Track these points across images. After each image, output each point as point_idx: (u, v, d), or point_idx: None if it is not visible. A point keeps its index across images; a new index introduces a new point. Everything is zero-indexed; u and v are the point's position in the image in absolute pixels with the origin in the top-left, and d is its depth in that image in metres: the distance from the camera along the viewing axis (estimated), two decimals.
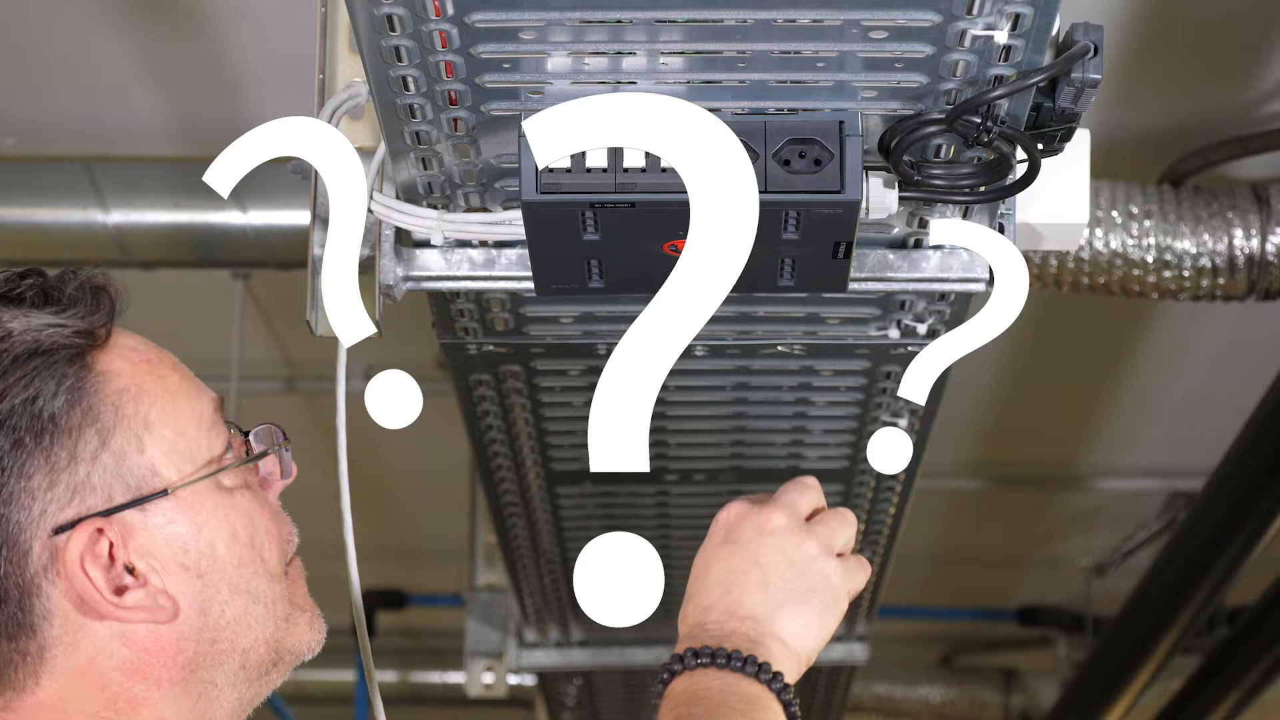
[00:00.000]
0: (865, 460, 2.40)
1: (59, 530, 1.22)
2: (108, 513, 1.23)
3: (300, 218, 2.70)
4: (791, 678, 1.33)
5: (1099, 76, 1.40)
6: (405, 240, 1.73)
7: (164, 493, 1.26)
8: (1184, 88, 2.79)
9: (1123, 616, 4.10)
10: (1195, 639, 4.18)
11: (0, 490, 1.21)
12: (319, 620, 1.35)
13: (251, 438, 1.35)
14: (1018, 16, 1.34)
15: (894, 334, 1.97)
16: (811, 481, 1.45)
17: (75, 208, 2.83)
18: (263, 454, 1.36)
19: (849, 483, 2.49)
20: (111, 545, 1.23)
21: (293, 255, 2.85)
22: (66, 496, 1.23)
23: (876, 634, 3.64)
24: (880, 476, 2.47)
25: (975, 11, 1.33)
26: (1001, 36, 1.36)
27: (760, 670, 1.30)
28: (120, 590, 1.24)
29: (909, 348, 2.00)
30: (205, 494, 1.28)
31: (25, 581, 1.22)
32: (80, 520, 1.22)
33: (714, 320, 1.96)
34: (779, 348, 2.03)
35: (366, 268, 1.71)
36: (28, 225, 2.86)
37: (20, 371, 1.23)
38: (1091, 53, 1.39)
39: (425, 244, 1.73)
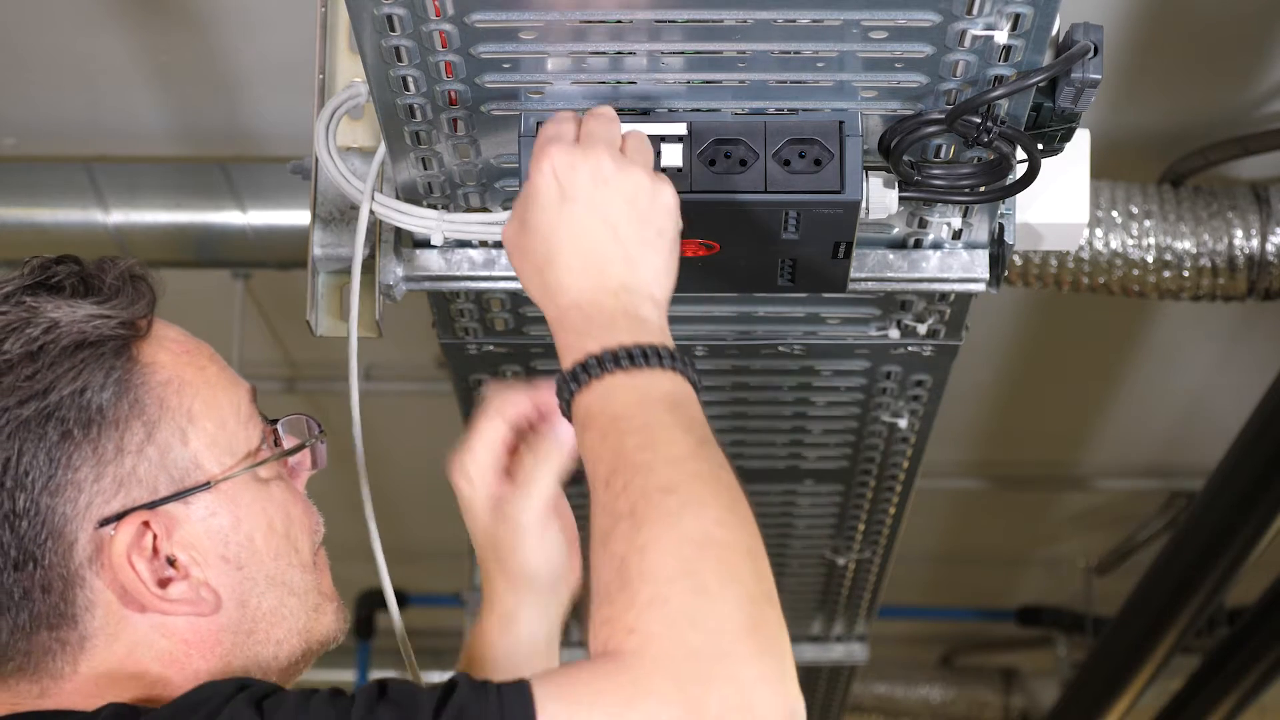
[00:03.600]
0: (865, 460, 2.40)
1: (105, 522, 1.22)
2: (153, 505, 1.24)
3: (300, 218, 2.70)
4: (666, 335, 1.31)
5: (1099, 76, 1.40)
6: (405, 240, 1.73)
7: (207, 485, 1.26)
8: (1184, 88, 2.79)
9: (1123, 616, 4.10)
10: (1195, 639, 4.18)
11: (49, 482, 1.21)
12: (343, 610, 1.36)
13: (280, 426, 1.35)
14: (1018, 16, 1.34)
15: (894, 334, 1.97)
16: (605, 111, 1.39)
17: (75, 208, 2.83)
18: (300, 447, 1.36)
19: (849, 483, 2.49)
20: (155, 537, 1.24)
21: (293, 255, 2.85)
22: (113, 489, 1.23)
23: (876, 634, 3.64)
24: (880, 476, 2.46)
25: (975, 11, 1.33)
26: (1001, 36, 1.36)
27: (663, 359, 1.27)
28: (163, 582, 1.24)
29: (909, 348, 2.00)
30: (244, 486, 1.29)
31: (70, 572, 1.22)
32: (127, 512, 1.23)
33: (714, 320, 1.97)
34: (779, 348, 2.03)
35: (366, 268, 1.71)
36: (28, 225, 2.85)
37: (68, 363, 1.23)
38: (1091, 53, 1.39)
39: (425, 244, 1.73)
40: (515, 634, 1.48)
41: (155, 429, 1.25)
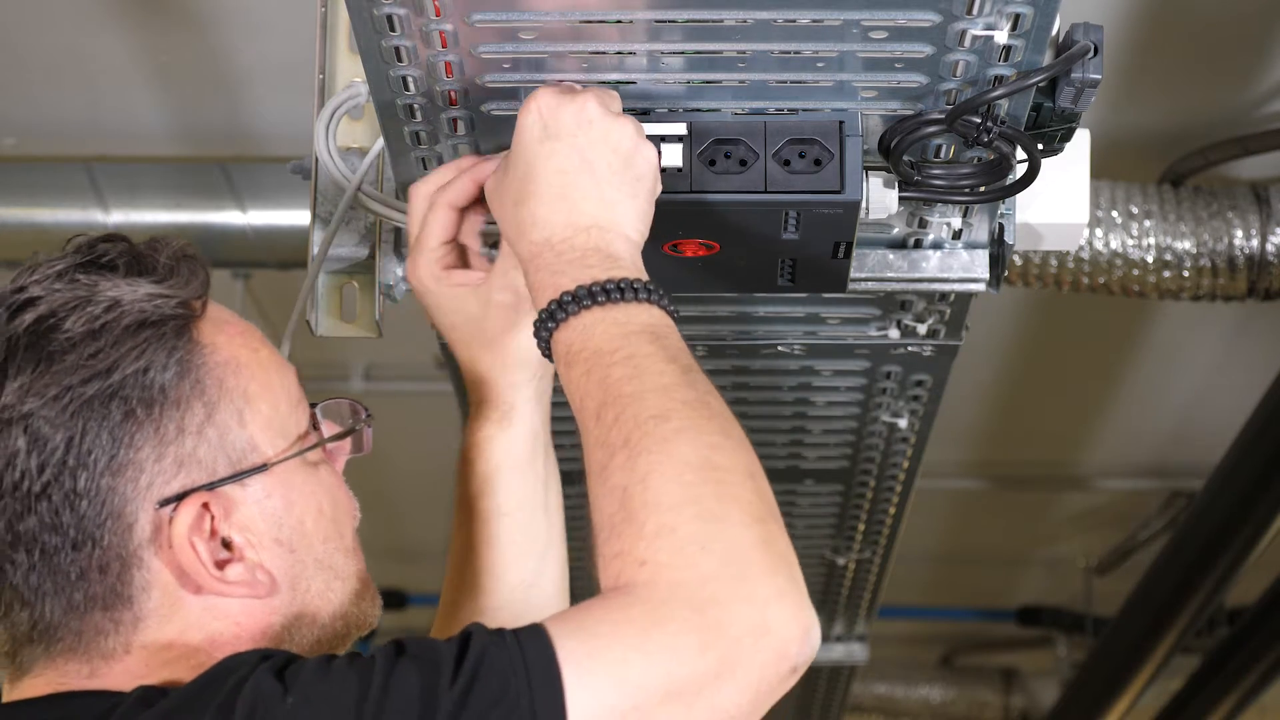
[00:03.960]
0: (865, 460, 2.40)
1: (165, 503, 1.22)
2: (212, 486, 1.24)
3: (300, 218, 2.70)
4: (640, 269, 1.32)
5: (1099, 76, 1.40)
6: (405, 240, 1.73)
7: (263, 467, 1.26)
8: (1184, 88, 2.79)
9: (1123, 616, 4.09)
10: (1195, 639, 4.18)
11: (110, 461, 1.21)
12: (378, 595, 1.36)
13: (318, 411, 1.34)
14: (1018, 16, 1.34)
15: (894, 334, 1.97)
16: (613, 92, 1.41)
17: (75, 208, 2.83)
18: (350, 431, 1.36)
19: (849, 483, 2.49)
20: (213, 519, 1.24)
21: (293, 255, 2.84)
22: (173, 469, 1.23)
23: (876, 634, 3.64)
24: (880, 476, 2.46)
25: (975, 11, 1.33)
26: (1001, 36, 1.36)
27: (638, 292, 1.28)
28: (220, 564, 1.24)
29: (909, 348, 2.00)
30: (296, 469, 1.29)
31: (128, 553, 1.22)
32: (187, 493, 1.23)
33: (714, 320, 1.97)
34: (779, 348, 2.03)
35: (366, 268, 1.71)
36: (28, 225, 2.85)
37: (131, 342, 1.22)
38: (1091, 53, 1.40)
39: None
40: (515, 428, 1.52)
41: (214, 410, 1.25)
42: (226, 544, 1.25)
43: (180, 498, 1.23)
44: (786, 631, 1.12)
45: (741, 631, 1.11)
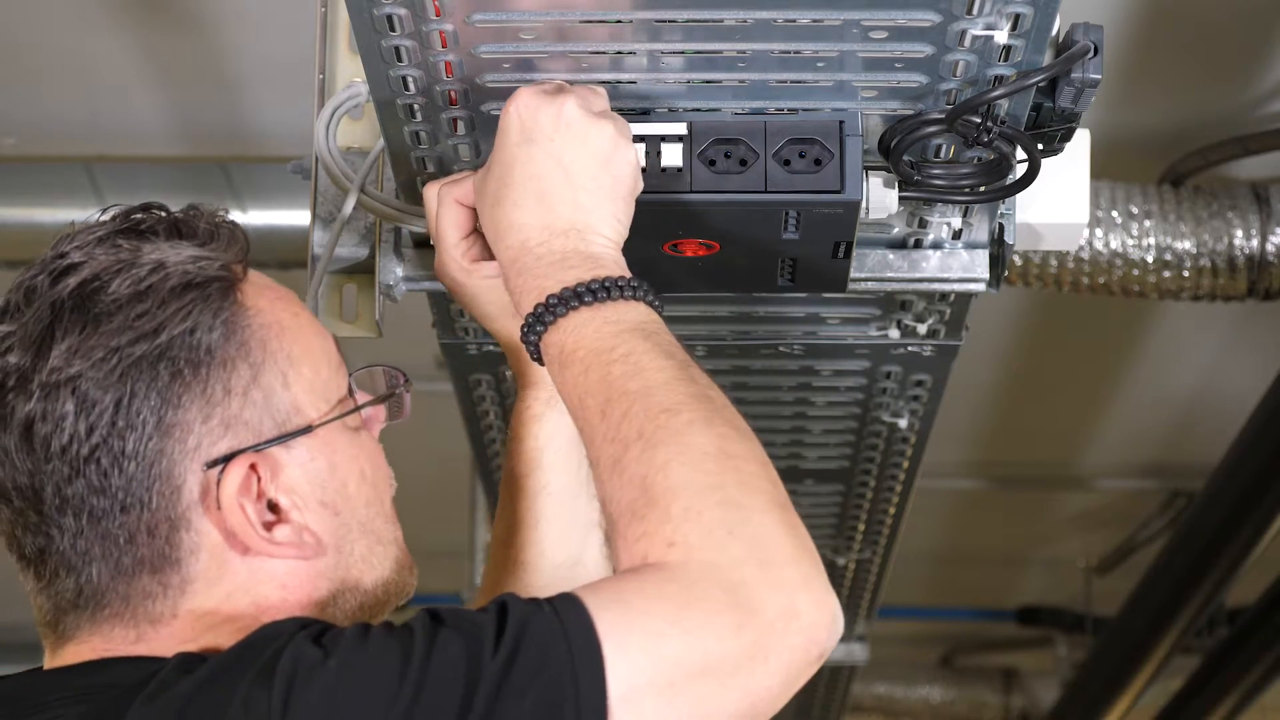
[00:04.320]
0: (865, 460, 2.40)
1: (213, 464, 1.22)
2: (258, 448, 1.23)
3: (300, 218, 2.70)
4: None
5: (1099, 76, 1.40)
6: (405, 240, 1.73)
7: (308, 429, 1.26)
8: (1184, 88, 2.79)
9: (1123, 616, 4.10)
10: (1195, 639, 4.18)
11: (159, 423, 1.20)
12: (415, 565, 1.35)
13: (353, 380, 1.34)
14: (1018, 16, 1.34)
15: (894, 334, 1.97)
16: (599, 88, 1.42)
17: (75, 208, 2.82)
18: (390, 394, 1.36)
19: (849, 483, 2.49)
20: (259, 481, 1.23)
21: (293, 255, 2.84)
22: (220, 430, 1.22)
23: (876, 634, 3.64)
24: (880, 476, 2.46)
25: (975, 11, 1.33)
26: (1001, 36, 1.36)
27: (624, 289, 1.28)
28: (267, 526, 1.23)
29: (909, 348, 2.00)
30: (338, 433, 1.28)
31: (176, 515, 1.21)
32: (234, 454, 1.22)
33: (714, 320, 1.97)
34: (779, 348, 2.03)
35: (366, 268, 1.71)
36: (28, 225, 2.85)
37: (177, 303, 1.22)
38: (1091, 53, 1.39)
39: (425, 244, 1.73)
40: (564, 406, 1.50)
41: (260, 372, 1.24)
42: (272, 506, 1.24)
43: (228, 459, 1.22)
44: (815, 617, 1.13)
45: (774, 615, 1.12)
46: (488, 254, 1.51)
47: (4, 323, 1.23)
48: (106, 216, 1.28)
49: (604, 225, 1.34)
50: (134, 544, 1.21)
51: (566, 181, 1.34)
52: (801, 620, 1.13)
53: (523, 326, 1.31)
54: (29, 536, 1.22)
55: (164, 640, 1.22)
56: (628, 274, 1.31)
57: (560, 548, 1.55)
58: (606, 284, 1.28)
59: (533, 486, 1.54)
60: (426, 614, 1.13)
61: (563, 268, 1.30)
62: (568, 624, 1.10)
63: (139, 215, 1.27)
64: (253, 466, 1.23)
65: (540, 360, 1.31)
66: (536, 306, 1.29)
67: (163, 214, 1.28)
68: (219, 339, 1.23)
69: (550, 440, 1.54)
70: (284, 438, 1.25)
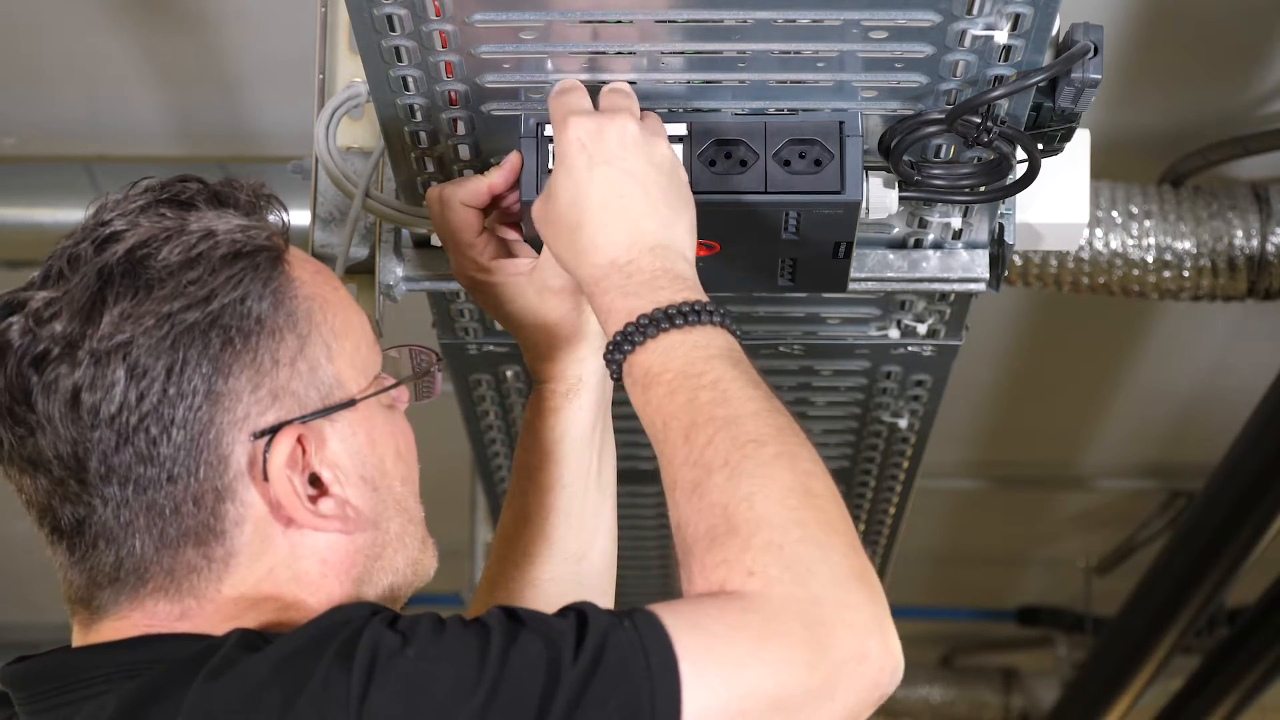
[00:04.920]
0: (865, 460, 2.40)
1: (260, 435, 1.20)
2: (305, 420, 1.22)
3: (300, 218, 2.70)
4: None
5: (1099, 76, 1.40)
6: (405, 240, 1.73)
7: (351, 403, 1.25)
8: (1184, 88, 2.79)
9: (1123, 616, 4.10)
10: (1195, 639, 4.18)
11: (209, 392, 1.18)
12: (435, 547, 1.34)
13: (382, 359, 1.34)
14: (1018, 16, 1.34)
15: (894, 334, 1.97)
16: (623, 86, 1.42)
17: (75, 208, 2.81)
18: (426, 372, 1.36)
19: (849, 483, 2.49)
20: (305, 453, 1.22)
21: None
22: (268, 401, 1.21)
23: None
24: (880, 476, 2.46)
25: (975, 11, 1.33)
26: (1001, 36, 1.36)
27: (713, 315, 1.28)
28: (311, 499, 1.22)
29: (909, 348, 2.00)
30: (376, 409, 1.27)
31: (223, 486, 1.19)
32: (282, 425, 1.21)
33: None
34: (779, 348, 2.03)
35: (366, 268, 1.71)
36: (28, 225, 2.85)
37: (228, 271, 1.20)
38: (1091, 53, 1.40)
39: (425, 244, 1.73)
40: (581, 398, 1.54)
41: (306, 343, 1.23)
42: (313, 480, 1.23)
43: (275, 430, 1.20)
44: (882, 661, 1.15)
45: (845, 656, 1.13)
46: (506, 251, 1.51)
47: (46, 289, 1.20)
48: (142, 187, 1.25)
49: (684, 240, 1.35)
50: (179, 515, 1.19)
51: (645, 197, 1.35)
52: (869, 663, 1.14)
53: (609, 344, 1.30)
54: (67, 507, 1.20)
55: (209, 617, 1.20)
56: (706, 297, 1.31)
57: (569, 541, 1.55)
58: (698, 308, 1.28)
59: (545, 479, 1.54)
60: (503, 612, 1.12)
61: (653, 288, 1.30)
62: (647, 641, 1.09)
63: (179, 185, 1.25)
64: (299, 439, 1.21)
65: (618, 378, 1.30)
66: (626, 326, 1.29)
67: (201, 184, 1.26)
68: (269, 308, 1.22)
69: (565, 434, 1.54)
70: (328, 410, 1.23)
